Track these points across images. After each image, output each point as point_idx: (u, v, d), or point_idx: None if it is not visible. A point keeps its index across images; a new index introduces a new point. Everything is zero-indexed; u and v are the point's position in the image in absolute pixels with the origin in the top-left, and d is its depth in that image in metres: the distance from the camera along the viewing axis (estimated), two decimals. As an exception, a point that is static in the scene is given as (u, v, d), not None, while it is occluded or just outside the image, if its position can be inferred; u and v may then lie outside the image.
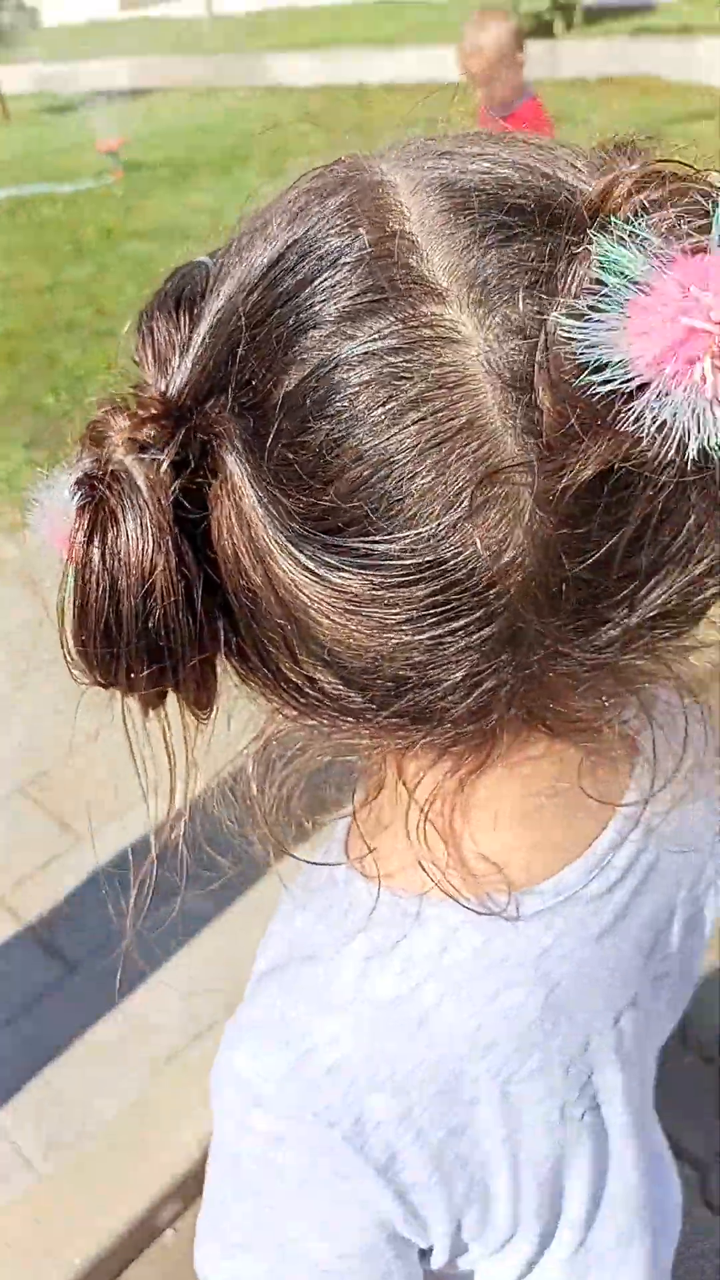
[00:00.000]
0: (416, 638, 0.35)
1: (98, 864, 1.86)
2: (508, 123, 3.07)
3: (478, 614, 0.34)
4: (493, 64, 2.97)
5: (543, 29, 10.46)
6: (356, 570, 0.34)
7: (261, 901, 1.74)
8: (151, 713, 0.41)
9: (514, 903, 0.46)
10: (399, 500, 0.33)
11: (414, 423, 0.33)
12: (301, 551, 0.35)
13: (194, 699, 0.40)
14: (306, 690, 0.39)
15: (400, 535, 0.33)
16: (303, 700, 0.40)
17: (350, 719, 0.39)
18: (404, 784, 0.44)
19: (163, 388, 0.37)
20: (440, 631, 0.35)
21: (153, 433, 0.36)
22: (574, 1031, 0.50)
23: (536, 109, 3.24)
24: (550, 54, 9.73)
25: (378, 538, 0.34)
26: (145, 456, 0.36)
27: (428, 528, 0.33)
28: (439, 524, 0.33)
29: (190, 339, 0.37)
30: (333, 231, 0.35)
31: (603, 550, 0.33)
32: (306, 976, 0.48)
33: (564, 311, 0.31)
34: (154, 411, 0.36)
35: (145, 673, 0.38)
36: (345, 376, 0.33)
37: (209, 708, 0.41)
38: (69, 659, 0.38)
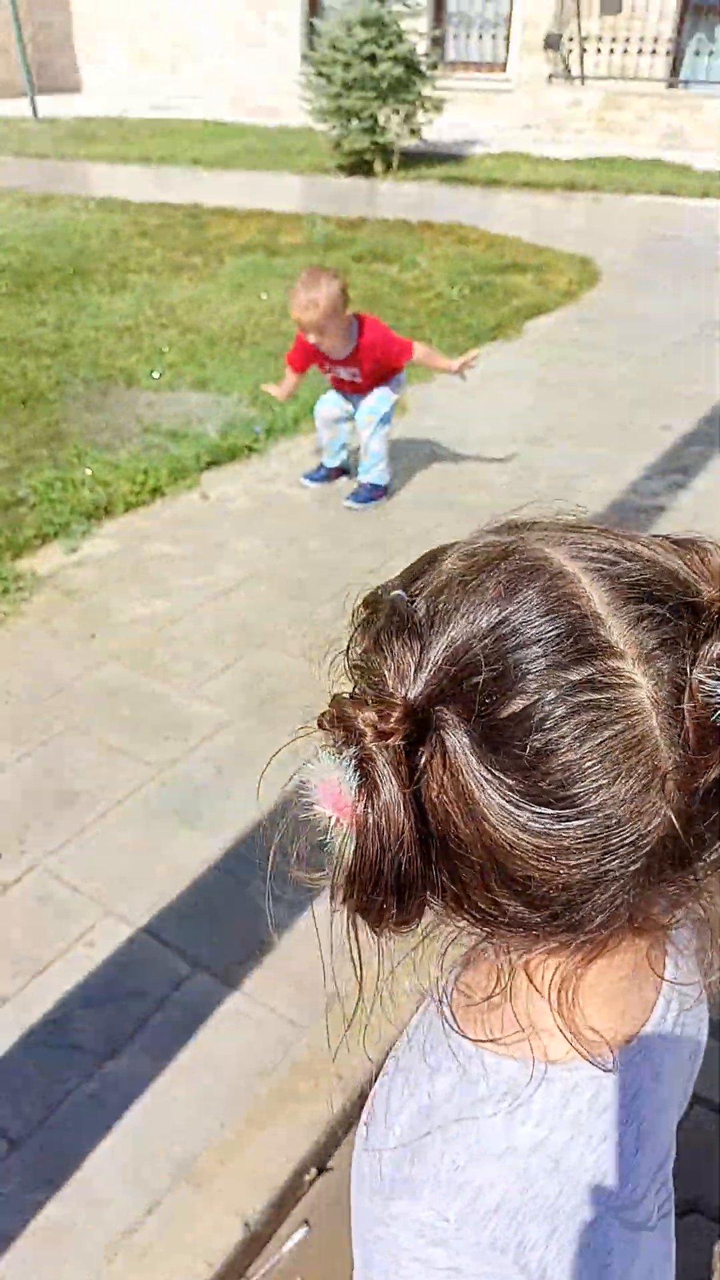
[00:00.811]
0: (589, 873, 0.51)
1: (28, 1024, 1.83)
2: (360, 355, 3.42)
3: (631, 856, 0.51)
4: (326, 317, 3.35)
5: (363, 167, 11.29)
6: (557, 830, 0.50)
7: (203, 1056, 1.78)
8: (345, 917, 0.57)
9: (614, 1061, 0.63)
10: (592, 787, 0.50)
11: (604, 739, 0.50)
12: (516, 816, 0.51)
13: (408, 922, 0.56)
14: (490, 911, 0.55)
15: (592, 808, 0.50)
16: (484, 917, 0.55)
17: (520, 930, 0.55)
18: (526, 972, 0.60)
19: (404, 693, 0.52)
20: (606, 868, 0.51)
21: (395, 726, 0.51)
22: (656, 1151, 0.67)
23: (376, 326, 3.58)
24: (370, 191, 10.49)
25: (575, 810, 0.50)
26: (392, 744, 0.51)
27: (611, 805, 0.50)
28: (618, 803, 0.50)
29: (422, 660, 0.53)
30: (539, 610, 0.52)
31: (711, 818, 0.52)
32: (464, 1134, 0.62)
33: (701, 672, 0.50)
34: (397, 713, 0.51)
35: (395, 909, 0.53)
36: (556, 707, 0.50)
37: (413, 926, 0.57)
38: (344, 900, 0.54)
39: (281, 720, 2.61)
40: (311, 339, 3.51)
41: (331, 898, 0.57)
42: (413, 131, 11.38)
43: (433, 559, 0.61)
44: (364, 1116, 0.83)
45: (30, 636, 2.96)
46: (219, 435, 4.23)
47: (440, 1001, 0.66)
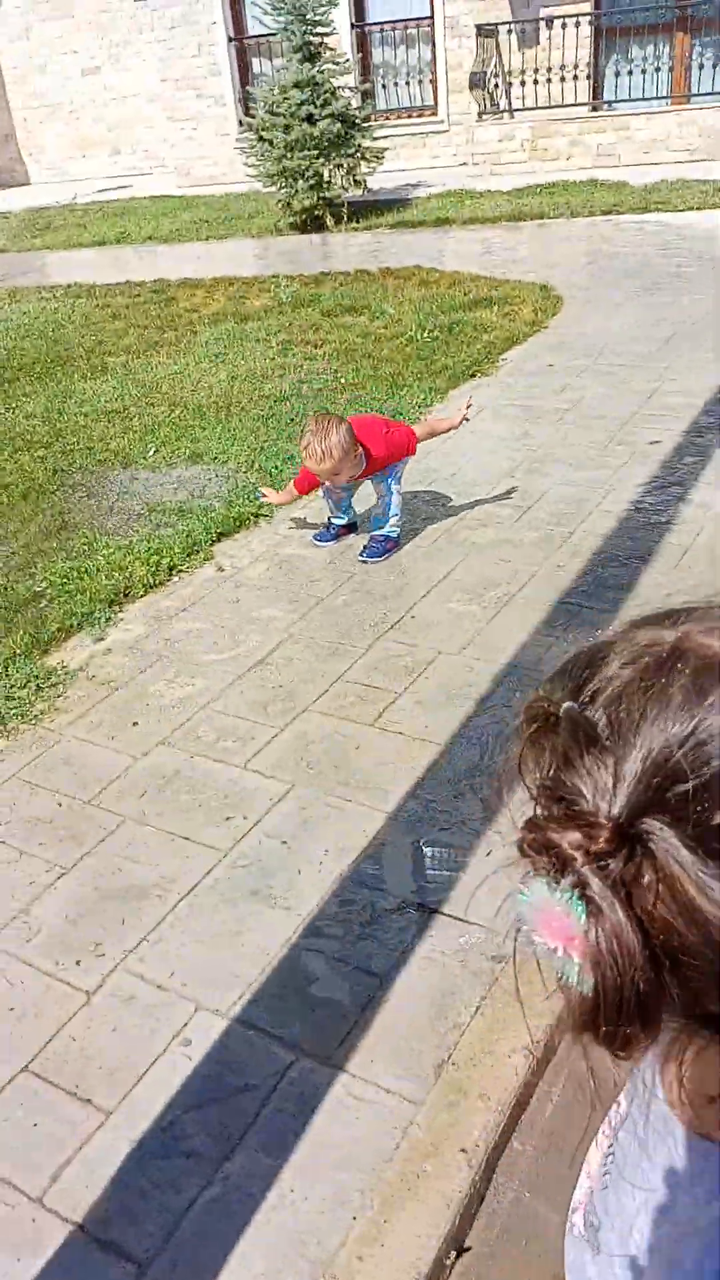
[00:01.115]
0: None
1: (136, 1137, 1.80)
2: (370, 472, 3.51)
3: None
4: (339, 462, 3.46)
5: (315, 223, 11.51)
6: None
7: (320, 1146, 1.74)
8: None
9: None
10: None
11: None
12: None
13: (640, 1042, 0.54)
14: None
15: None
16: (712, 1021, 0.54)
17: None
18: None
19: (606, 810, 0.51)
20: None
21: (605, 845, 0.50)
22: None
23: (378, 441, 3.67)
24: (325, 244, 10.68)
25: None
26: (606, 864, 0.50)
27: None
28: None
29: (619, 774, 0.52)
30: None
31: None
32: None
33: None
34: (605, 832, 0.51)
35: (639, 1032, 0.52)
36: None
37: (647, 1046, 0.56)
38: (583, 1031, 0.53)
39: (339, 784, 2.60)
40: (327, 484, 3.64)
41: (566, 1031, 0.56)
42: (357, 182, 11.61)
43: (590, 662, 0.60)
44: (580, 1217, 0.82)
45: (72, 732, 2.95)
46: (224, 506, 4.26)
47: (677, 1103, 0.64)
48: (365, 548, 3.82)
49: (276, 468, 4.66)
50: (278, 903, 2.27)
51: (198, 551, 3.95)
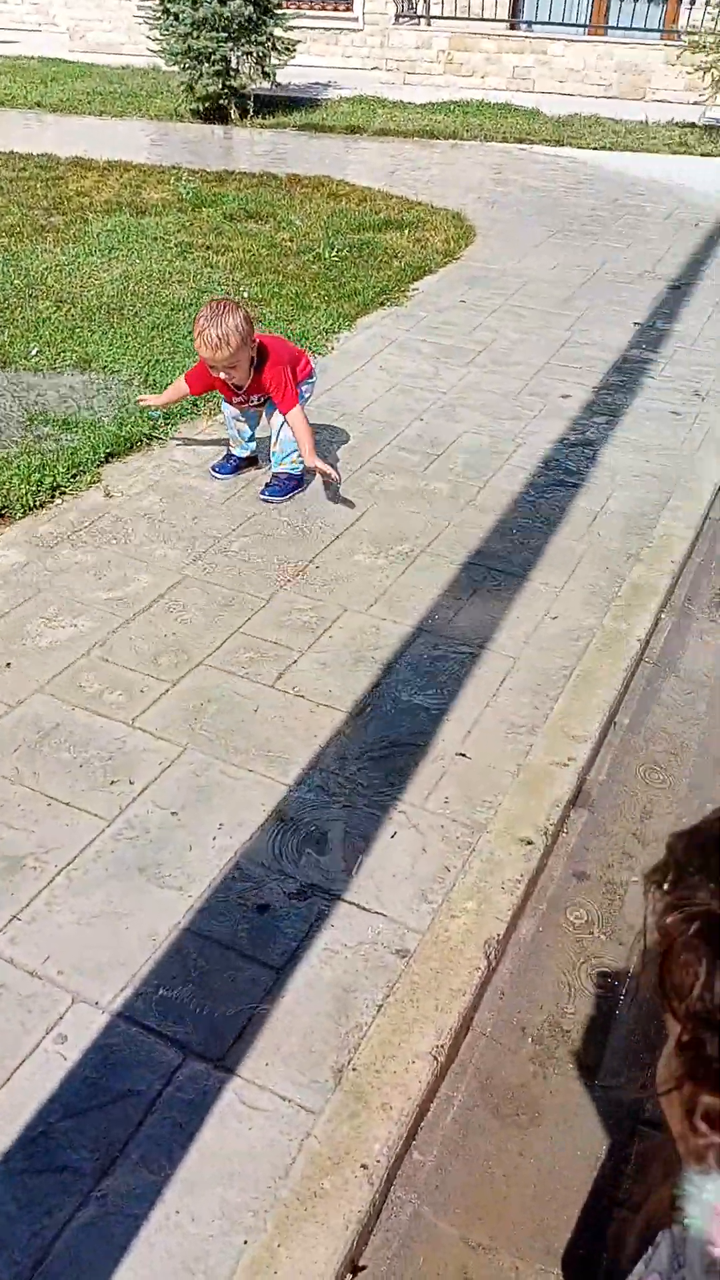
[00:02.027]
0: None
1: (2, 1148, 1.63)
2: (257, 387, 3.24)
3: None
4: (236, 352, 3.19)
5: (218, 113, 10.75)
6: None
7: (210, 1159, 1.62)
8: None
9: None
10: None
11: None
12: None
13: None
14: None
15: None
16: None
17: None
18: None
19: None
20: None
21: None
22: None
23: (276, 359, 3.39)
24: (228, 139, 10.01)
25: None
26: None
27: None
28: None
29: None
30: None
31: None
32: None
33: None
34: None
35: None
36: None
37: None
38: None
39: (235, 750, 2.43)
40: (221, 376, 3.32)
41: None
42: (266, 74, 10.86)
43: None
44: None
45: (-65, 671, 2.66)
46: (114, 424, 3.92)
47: None
48: (267, 485, 3.59)
49: (170, 383, 4.31)
50: (166, 882, 2.10)
51: (84, 473, 3.62)
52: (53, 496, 3.49)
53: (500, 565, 3.22)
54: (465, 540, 3.36)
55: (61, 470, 3.56)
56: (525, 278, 6.01)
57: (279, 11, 10.59)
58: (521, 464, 3.88)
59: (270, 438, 3.58)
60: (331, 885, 2.10)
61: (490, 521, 3.48)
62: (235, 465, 3.71)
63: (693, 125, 10.80)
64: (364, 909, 2.05)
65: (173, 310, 5.17)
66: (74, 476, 3.58)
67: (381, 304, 5.49)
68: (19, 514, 3.37)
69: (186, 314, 5.11)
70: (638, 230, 7.10)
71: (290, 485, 3.59)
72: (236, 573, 3.13)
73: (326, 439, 3.98)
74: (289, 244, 6.37)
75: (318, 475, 3.50)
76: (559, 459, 3.93)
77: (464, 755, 2.46)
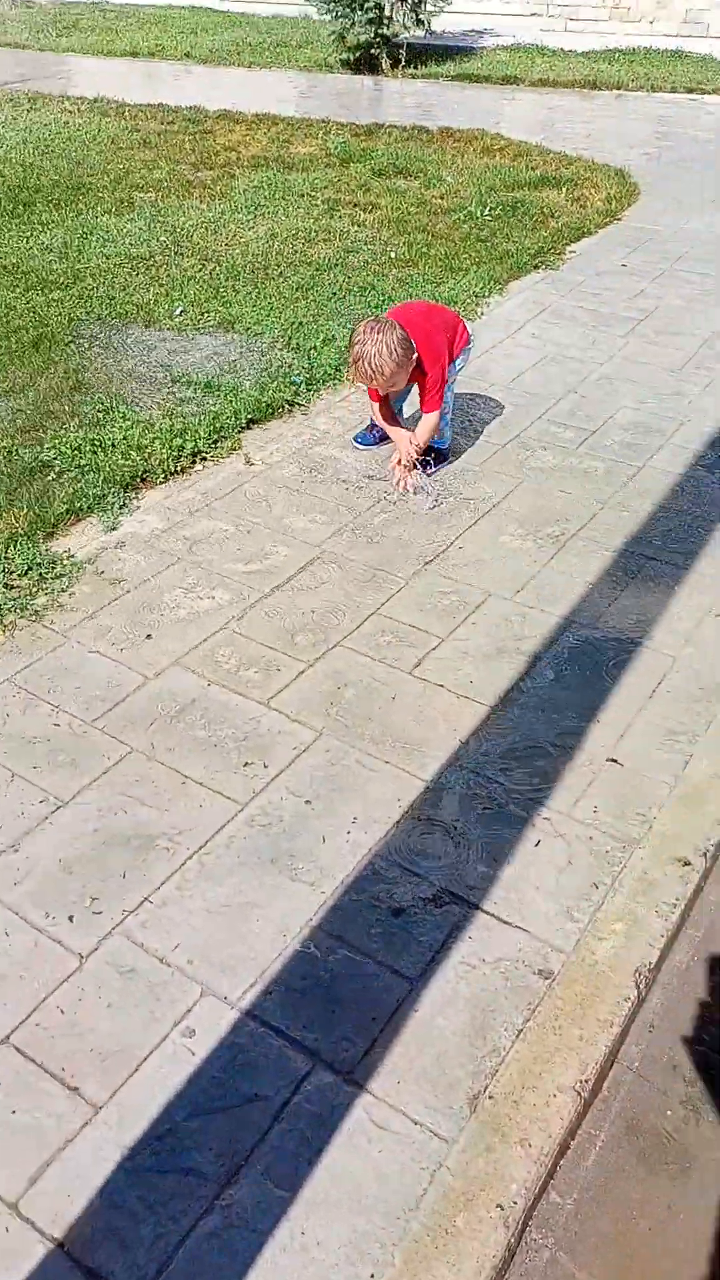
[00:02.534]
0: None
1: (128, 1142, 1.60)
2: (427, 386, 2.96)
3: None
4: (395, 375, 2.99)
5: (369, 63, 10.50)
6: None
7: (338, 1180, 1.55)
8: None
9: None
10: None
11: None
12: None
13: None
14: None
15: None
16: None
17: None
18: None
19: None
20: None
21: None
22: None
23: (435, 324, 3.20)
24: (379, 90, 9.75)
25: None
26: None
27: None
28: None
29: None
30: None
31: None
32: None
33: None
34: None
35: None
36: None
37: None
38: None
39: (371, 739, 2.33)
40: (382, 393, 3.18)
41: None
42: (419, 22, 10.54)
43: None
44: None
45: (77, 635, 2.65)
46: (256, 388, 3.84)
47: None
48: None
49: (315, 348, 4.21)
50: (299, 875, 2.02)
51: (225, 439, 3.56)
52: (193, 462, 3.44)
53: (658, 554, 3.01)
54: (621, 525, 3.15)
55: (203, 436, 3.50)
56: (693, 240, 5.63)
57: (438, -45, 10.21)
58: (684, 444, 3.63)
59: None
60: (470, 893, 1.99)
61: (648, 506, 3.26)
62: (379, 436, 3.58)
63: None
64: (505, 922, 1.94)
65: (318, 270, 5.06)
66: (215, 443, 3.52)
67: (536, 267, 5.24)
68: (160, 479, 3.34)
69: (331, 274, 4.99)
70: None
71: (437, 460, 3.44)
72: (377, 549, 3.02)
73: (471, 411, 3.81)
74: (439, 201, 6.15)
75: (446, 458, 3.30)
76: (724, 439, 3.66)
77: (615, 761, 2.30)
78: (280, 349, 4.24)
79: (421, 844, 2.09)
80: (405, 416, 3.56)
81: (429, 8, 10.44)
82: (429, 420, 3.25)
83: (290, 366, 4.05)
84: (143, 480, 3.32)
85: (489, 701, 2.46)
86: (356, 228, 5.67)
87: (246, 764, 2.27)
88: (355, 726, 2.38)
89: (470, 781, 2.24)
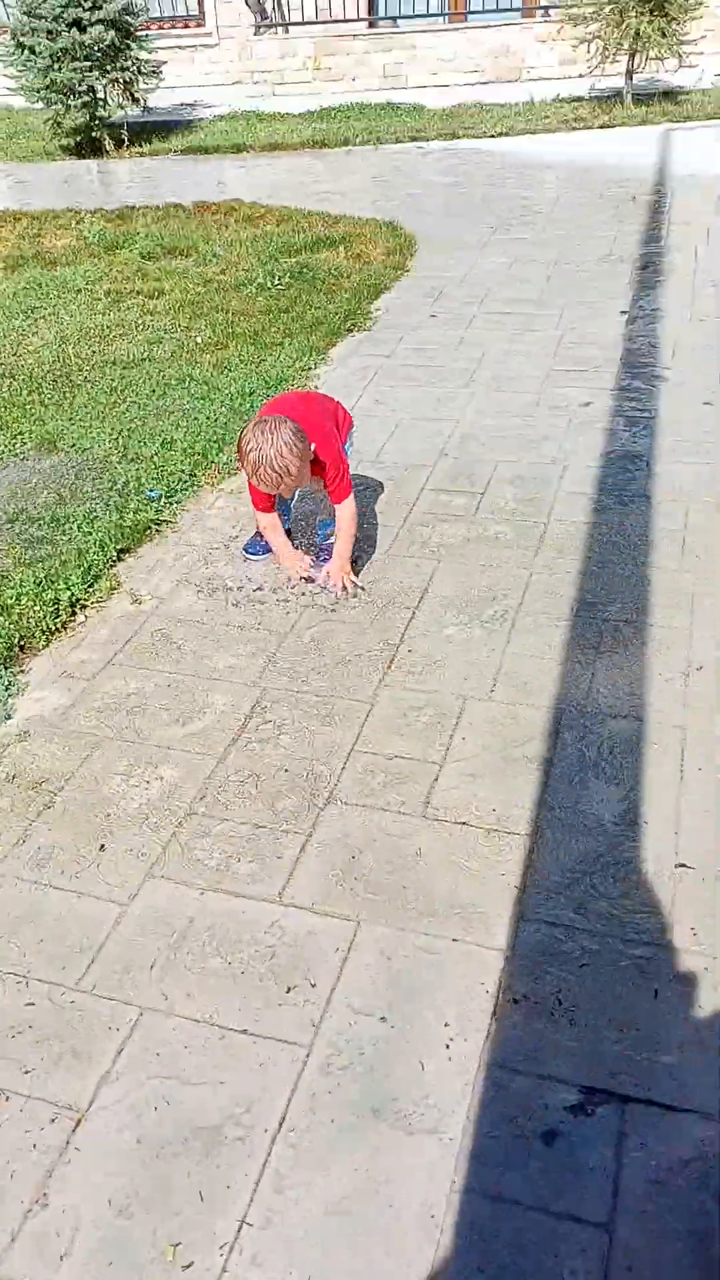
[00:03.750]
0: None
1: None
2: (330, 475, 2.65)
3: None
4: (300, 471, 2.70)
5: (92, 146, 10.18)
6: None
7: None
8: None
9: None
10: None
11: None
12: None
13: None
14: None
15: None
16: None
17: None
18: None
19: None
20: None
21: None
22: None
23: (315, 413, 2.91)
24: (112, 172, 9.45)
25: None
26: None
27: None
28: None
29: None
30: None
31: None
32: None
33: None
34: None
35: None
36: None
37: None
38: None
39: (418, 913, 1.97)
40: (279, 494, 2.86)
41: None
42: (135, 100, 10.32)
43: None
44: None
45: (15, 871, 2.13)
46: (114, 512, 3.40)
47: None
48: (315, 562, 3.12)
49: (157, 454, 3.82)
50: (413, 1123, 1.63)
51: (99, 577, 3.10)
52: (74, 613, 2.96)
53: (609, 613, 2.83)
54: (557, 590, 2.96)
55: (76, 581, 3.03)
56: (486, 281, 5.65)
57: (141, 35, 10.06)
58: (575, 488, 3.50)
59: (320, 502, 3.12)
60: (613, 1080, 1.67)
61: (573, 564, 3.08)
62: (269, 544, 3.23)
63: (580, 99, 10.66)
64: (670, 1107, 1.63)
65: (125, 368, 4.66)
66: (90, 586, 3.05)
67: (349, 330, 5.07)
68: (41, 643, 2.84)
69: (142, 370, 4.60)
70: (577, 215, 6.83)
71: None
72: (323, 674, 2.67)
73: (359, 493, 3.53)
74: (223, 278, 5.89)
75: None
76: (612, 477, 3.56)
77: (685, 866, 2.05)
78: (117, 462, 3.81)
79: (532, 1034, 1.75)
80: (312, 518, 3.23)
81: (141, 85, 10.26)
82: (345, 510, 2.93)
83: (139, 480, 3.63)
84: (21, 649, 2.81)
85: (523, 829, 2.16)
86: (149, 316, 5.31)
87: (289, 989, 1.85)
88: (393, 901, 2.01)
89: (548, 936, 1.92)
